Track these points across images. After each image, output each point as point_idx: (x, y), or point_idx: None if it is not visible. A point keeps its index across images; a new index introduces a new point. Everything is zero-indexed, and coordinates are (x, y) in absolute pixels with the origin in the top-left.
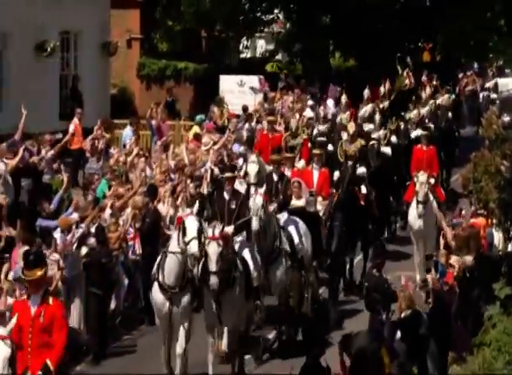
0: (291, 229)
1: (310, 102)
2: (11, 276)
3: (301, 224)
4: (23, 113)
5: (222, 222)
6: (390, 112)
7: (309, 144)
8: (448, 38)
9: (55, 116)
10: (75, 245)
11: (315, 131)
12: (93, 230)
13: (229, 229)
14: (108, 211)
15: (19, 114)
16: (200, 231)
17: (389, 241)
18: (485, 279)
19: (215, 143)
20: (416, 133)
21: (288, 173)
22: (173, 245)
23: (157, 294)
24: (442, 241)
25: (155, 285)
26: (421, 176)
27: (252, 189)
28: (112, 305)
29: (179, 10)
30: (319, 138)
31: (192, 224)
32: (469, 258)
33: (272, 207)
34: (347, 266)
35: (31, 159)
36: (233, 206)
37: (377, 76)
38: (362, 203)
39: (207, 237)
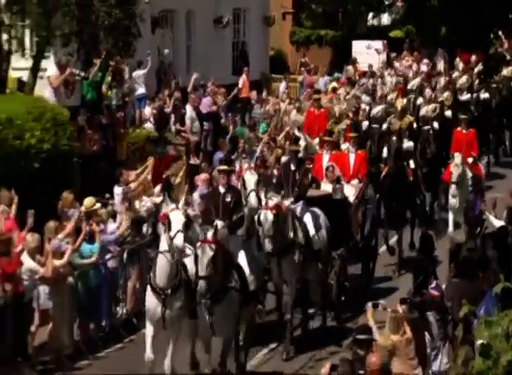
0: (307, 220)
1: (425, 61)
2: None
3: (321, 216)
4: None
5: (216, 216)
6: (484, 76)
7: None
8: None
9: (229, 72)
10: None
11: (374, 111)
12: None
13: (223, 232)
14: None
15: (201, 72)
16: (186, 225)
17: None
18: None
19: (347, 93)
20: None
21: (326, 156)
22: (162, 244)
23: (149, 297)
24: None
25: (148, 288)
26: (457, 158)
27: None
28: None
29: None
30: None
31: (177, 218)
32: None
33: (288, 201)
34: (396, 238)
35: (212, 107)
36: (228, 199)
37: (469, 44)
38: (410, 178)
39: (199, 240)
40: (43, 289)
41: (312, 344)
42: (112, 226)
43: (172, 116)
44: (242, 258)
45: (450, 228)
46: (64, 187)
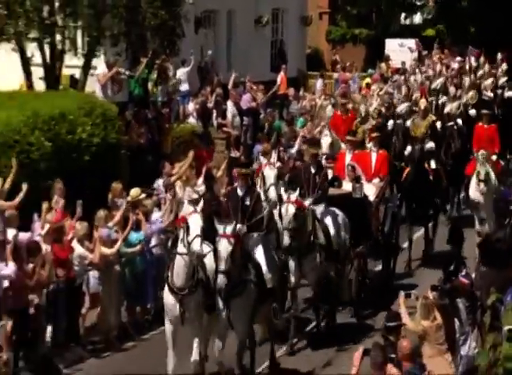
0: (328, 221)
1: (458, 58)
2: None
3: (340, 215)
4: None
5: (235, 219)
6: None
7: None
8: None
9: (267, 69)
10: None
11: (399, 109)
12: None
13: (242, 228)
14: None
15: (241, 69)
16: (204, 229)
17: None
18: None
19: (380, 89)
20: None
21: (349, 155)
22: (180, 246)
23: (167, 296)
24: None
25: (166, 287)
26: (481, 155)
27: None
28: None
29: None
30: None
31: (195, 222)
32: None
33: (308, 201)
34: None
35: (251, 103)
36: (247, 203)
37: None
38: (431, 178)
39: (218, 234)
40: (93, 274)
41: (331, 341)
42: (156, 215)
43: (214, 111)
44: (260, 257)
45: (477, 225)
46: (113, 179)
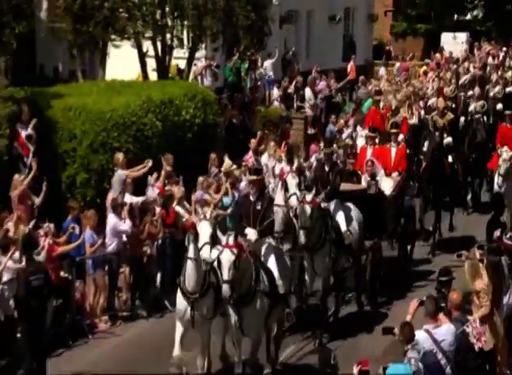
0: (339, 217)
1: (504, 49)
2: None
3: (353, 210)
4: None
5: (247, 223)
6: None
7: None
8: None
9: (339, 59)
10: None
11: (471, 107)
12: None
13: (253, 233)
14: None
15: (317, 58)
16: (213, 236)
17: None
18: None
19: (436, 76)
20: None
21: (370, 150)
22: (190, 251)
23: (179, 300)
24: None
25: (179, 291)
26: (505, 153)
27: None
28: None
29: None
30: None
31: (205, 229)
32: None
33: (319, 198)
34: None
35: (326, 89)
36: (259, 208)
37: None
38: (447, 170)
39: (221, 244)
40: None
41: (345, 330)
42: (243, 183)
43: (294, 95)
44: (272, 263)
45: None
46: (210, 153)
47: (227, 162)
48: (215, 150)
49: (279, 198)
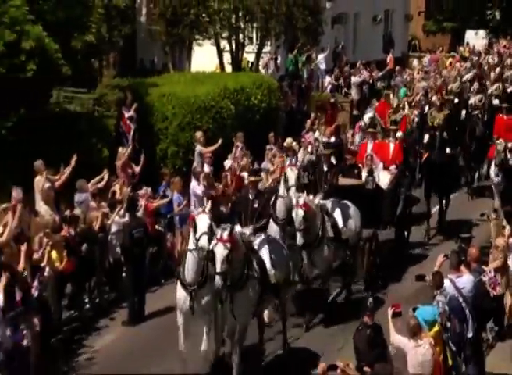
0: (337, 214)
1: None
2: None
3: (351, 207)
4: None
5: (245, 220)
6: None
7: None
8: None
9: (380, 52)
10: None
11: (471, 101)
12: None
13: (248, 229)
14: None
15: (362, 51)
16: (211, 227)
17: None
18: None
19: (461, 66)
20: None
21: (370, 144)
22: (190, 243)
23: (179, 291)
24: None
25: (178, 282)
26: (499, 145)
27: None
28: None
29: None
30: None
31: (203, 221)
32: None
33: (318, 198)
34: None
35: (368, 77)
36: (256, 205)
37: None
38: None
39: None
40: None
41: (342, 315)
42: (300, 155)
43: (342, 83)
44: (265, 253)
45: (496, 203)
46: (274, 131)
47: (288, 139)
48: (277, 129)
49: (281, 190)
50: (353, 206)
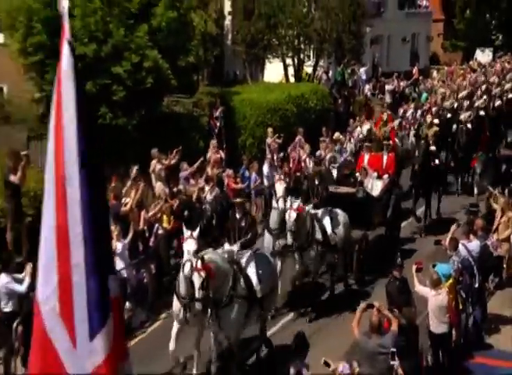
0: (326, 221)
1: None
2: None
3: (340, 214)
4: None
5: (233, 238)
6: None
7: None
8: None
9: (407, 64)
10: None
11: (462, 116)
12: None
13: (236, 246)
14: None
15: (394, 65)
16: (196, 253)
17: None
18: None
19: (470, 77)
20: None
21: (367, 156)
22: (184, 257)
23: (175, 302)
24: None
25: (174, 294)
26: (480, 157)
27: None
28: None
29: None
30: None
31: (189, 247)
32: None
33: (308, 207)
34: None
35: (397, 86)
36: (243, 224)
37: None
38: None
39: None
40: None
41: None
42: (348, 147)
43: (378, 89)
44: (252, 270)
45: (475, 191)
46: (326, 127)
47: (336, 133)
48: (328, 126)
49: (273, 202)
50: (344, 213)
